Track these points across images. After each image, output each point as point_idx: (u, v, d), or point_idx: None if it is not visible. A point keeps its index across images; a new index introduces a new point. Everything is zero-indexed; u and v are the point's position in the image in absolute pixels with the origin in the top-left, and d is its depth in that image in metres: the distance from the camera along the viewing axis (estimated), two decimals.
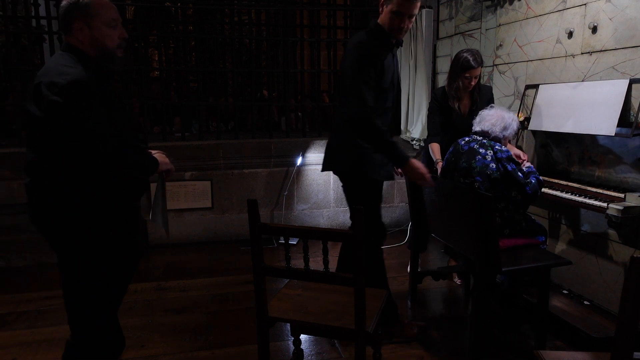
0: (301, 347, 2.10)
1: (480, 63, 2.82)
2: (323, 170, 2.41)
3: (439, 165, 2.79)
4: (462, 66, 2.79)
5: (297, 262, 3.47)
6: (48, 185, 1.55)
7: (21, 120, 4.05)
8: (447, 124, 2.95)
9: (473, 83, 2.82)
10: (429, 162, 2.99)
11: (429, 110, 3.05)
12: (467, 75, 2.78)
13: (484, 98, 2.94)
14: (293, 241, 3.84)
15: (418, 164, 2.13)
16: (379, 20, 2.16)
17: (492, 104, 2.63)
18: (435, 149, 2.94)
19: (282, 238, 3.90)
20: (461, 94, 2.89)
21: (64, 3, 1.57)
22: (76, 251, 1.61)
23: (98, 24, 1.56)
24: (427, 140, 3.04)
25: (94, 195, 1.56)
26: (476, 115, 2.58)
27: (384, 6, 2.11)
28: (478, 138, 2.40)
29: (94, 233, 1.59)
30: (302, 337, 2.41)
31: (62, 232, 1.62)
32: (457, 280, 3.09)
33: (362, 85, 2.06)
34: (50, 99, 1.42)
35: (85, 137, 1.47)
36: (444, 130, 2.96)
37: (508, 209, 2.32)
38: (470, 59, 2.76)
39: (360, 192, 2.27)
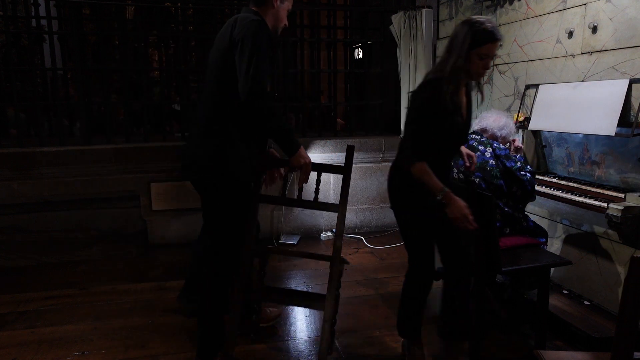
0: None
1: None
2: (184, 178, 2.06)
3: (452, 198, 1.85)
4: (482, 37, 1.79)
5: (298, 262, 3.47)
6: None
7: (19, 121, 4.05)
8: (445, 136, 1.92)
9: (489, 67, 1.96)
10: (420, 196, 1.91)
11: (410, 121, 1.92)
12: (486, 52, 1.82)
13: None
14: (293, 241, 3.84)
15: (304, 152, 2.00)
16: (268, 14, 1.97)
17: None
18: (430, 174, 1.85)
19: (282, 238, 3.90)
20: (466, 86, 2.00)
21: None
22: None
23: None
24: (408, 161, 1.88)
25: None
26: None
27: (280, 1, 1.97)
28: (477, 137, 2.47)
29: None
30: (302, 336, 2.41)
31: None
32: None
33: (262, 65, 1.79)
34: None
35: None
36: (440, 145, 1.93)
37: (508, 205, 2.35)
38: (495, 26, 1.83)
39: (223, 201, 1.94)
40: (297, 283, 3.09)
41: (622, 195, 2.18)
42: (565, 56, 2.66)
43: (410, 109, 1.95)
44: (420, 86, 1.94)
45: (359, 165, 4.12)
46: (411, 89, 4.12)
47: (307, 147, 3.96)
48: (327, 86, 4.55)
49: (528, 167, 2.41)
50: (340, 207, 2.07)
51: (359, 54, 5.94)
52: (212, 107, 1.92)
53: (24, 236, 3.52)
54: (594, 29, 2.44)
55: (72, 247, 3.60)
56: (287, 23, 2.08)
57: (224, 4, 4.12)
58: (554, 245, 2.74)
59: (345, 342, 2.34)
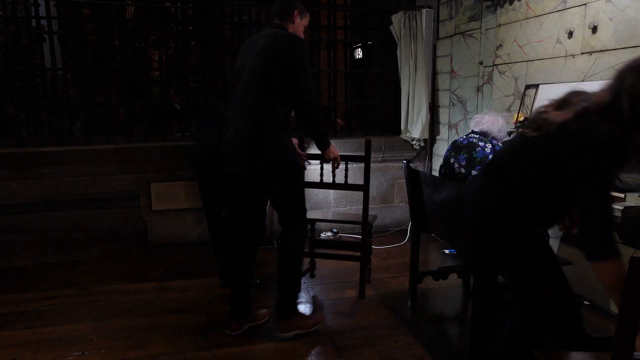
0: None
1: None
2: (240, 169, 2.22)
3: None
4: None
5: None
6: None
7: (22, 121, 4.05)
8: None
9: None
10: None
11: (598, 192, 1.38)
12: None
13: None
14: None
15: (334, 148, 2.50)
16: (290, 28, 2.34)
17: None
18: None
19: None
20: None
21: None
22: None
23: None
24: (606, 252, 1.33)
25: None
26: None
27: (299, 18, 2.37)
28: (476, 135, 2.59)
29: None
30: (302, 338, 2.41)
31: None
32: None
33: (310, 80, 2.21)
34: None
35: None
36: None
37: None
38: None
39: (295, 182, 2.36)
40: None
41: (622, 195, 2.19)
42: (565, 56, 2.66)
43: (594, 176, 1.39)
44: (600, 145, 1.39)
45: (359, 165, 4.12)
46: (411, 89, 4.11)
47: (308, 147, 3.97)
48: (327, 86, 4.54)
49: None
50: (364, 186, 2.74)
51: (359, 54, 5.94)
52: (260, 108, 2.19)
53: (24, 236, 3.52)
54: (594, 29, 2.44)
55: (72, 247, 3.60)
56: (302, 36, 2.40)
57: (224, 4, 4.12)
58: (554, 246, 2.75)
59: (345, 342, 2.34)
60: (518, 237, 1.59)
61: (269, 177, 2.26)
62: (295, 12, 2.34)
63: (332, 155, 2.49)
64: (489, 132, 2.58)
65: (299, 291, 2.46)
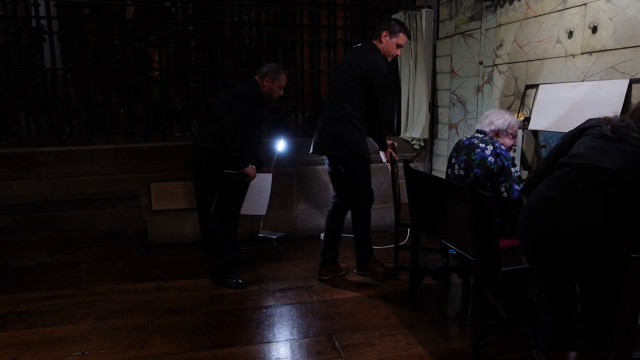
0: None
1: None
2: (324, 153, 2.96)
3: None
4: None
5: (298, 262, 3.47)
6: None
7: (20, 121, 4.05)
8: None
9: None
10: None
11: None
12: None
13: None
14: (273, 236, 3.83)
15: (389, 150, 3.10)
16: (379, 46, 2.86)
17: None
18: None
19: (262, 232, 3.87)
20: None
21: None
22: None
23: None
24: None
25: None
26: None
27: (388, 38, 2.84)
28: (479, 136, 2.55)
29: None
30: (301, 336, 2.41)
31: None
32: None
33: (381, 95, 2.80)
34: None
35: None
36: None
37: (508, 201, 2.39)
38: None
39: (362, 170, 2.92)
40: (296, 282, 3.09)
41: None
42: (565, 56, 2.66)
43: None
44: None
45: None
46: (411, 89, 4.11)
47: (307, 147, 3.96)
48: (327, 86, 4.54)
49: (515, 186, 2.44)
50: (393, 188, 3.33)
51: None
52: (339, 111, 2.83)
53: (24, 236, 3.52)
54: (594, 29, 2.44)
55: (72, 247, 3.60)
56: (397, 53, 2.95)
57: (224, 4, 4.12)
58: None
59: (345, 342, 2.34)
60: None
61: (342, 163, 2.87)
62: (384, 32, 2.83)
63: (391, 155, 3.11)
64: (486, 131, 2.53)
65: (336, 249, 3.12)
